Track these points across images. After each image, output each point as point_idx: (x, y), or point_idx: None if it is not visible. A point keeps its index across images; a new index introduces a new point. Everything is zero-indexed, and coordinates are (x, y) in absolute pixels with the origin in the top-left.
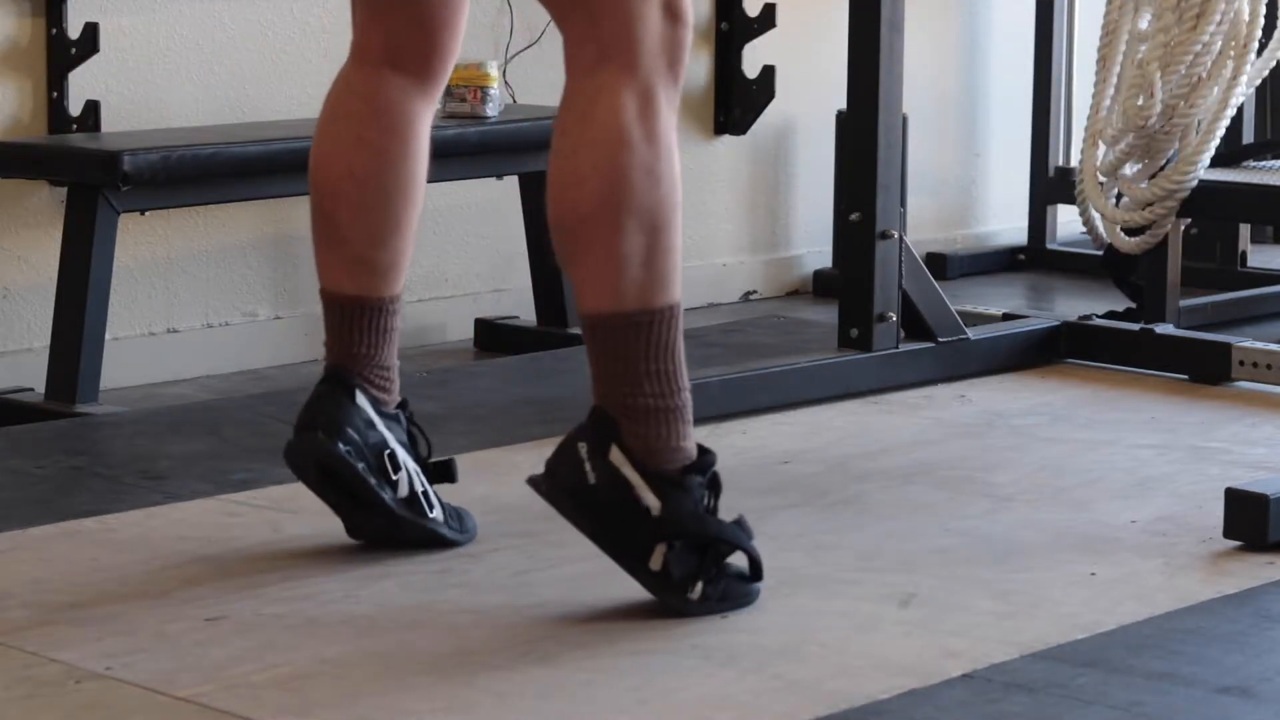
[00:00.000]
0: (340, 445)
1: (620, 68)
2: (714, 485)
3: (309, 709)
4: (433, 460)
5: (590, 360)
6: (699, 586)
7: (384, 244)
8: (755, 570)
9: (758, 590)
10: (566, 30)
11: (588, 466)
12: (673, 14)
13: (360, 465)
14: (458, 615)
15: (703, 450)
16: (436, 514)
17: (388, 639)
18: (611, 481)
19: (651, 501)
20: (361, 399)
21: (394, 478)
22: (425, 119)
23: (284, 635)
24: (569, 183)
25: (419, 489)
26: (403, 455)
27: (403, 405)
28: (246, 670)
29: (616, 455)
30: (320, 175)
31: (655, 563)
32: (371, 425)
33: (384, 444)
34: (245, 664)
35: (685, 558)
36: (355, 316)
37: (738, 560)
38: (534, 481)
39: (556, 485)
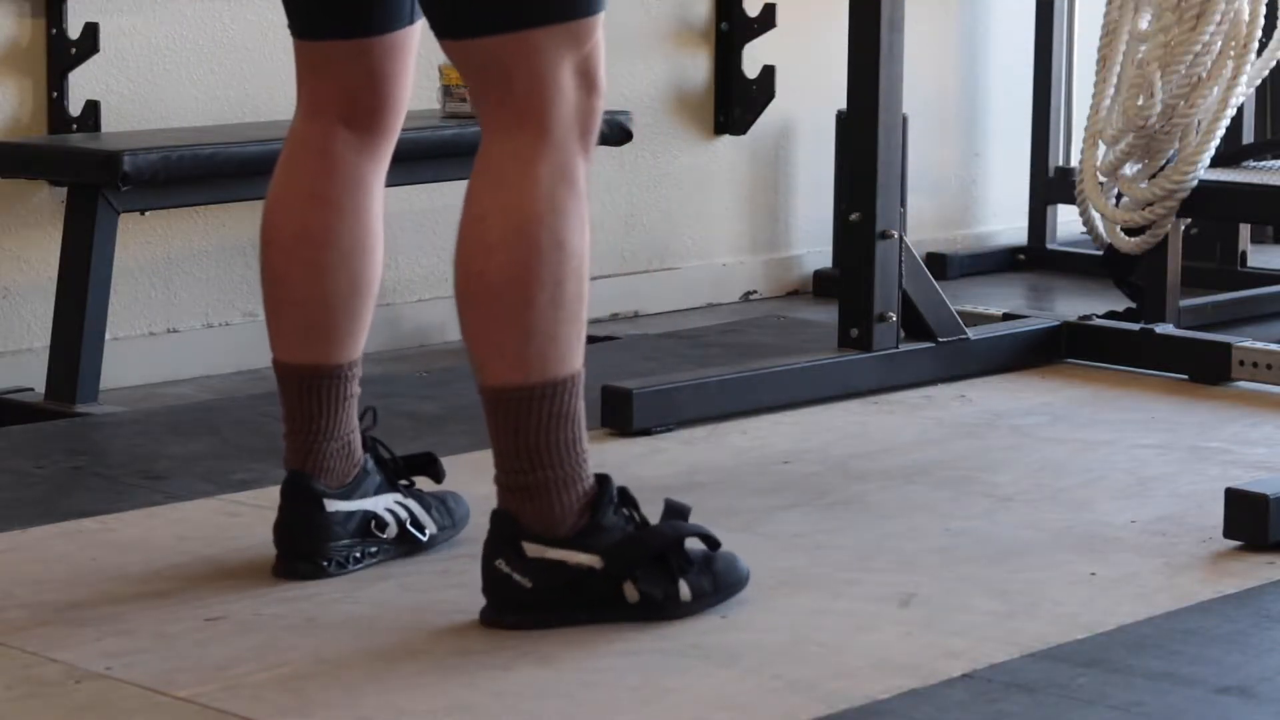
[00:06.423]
0: (326, 565)
1: (535, 136)
2: (625, 500)
3: (309, 709)
4: (404, 456)
5: (490, 434)
6: (683, 588)
7: (343, 307)
8: (709, 542)
9: (740, 565)
10: (480, 92)
11: (515, 577)
12: (588, 84)
13: (350, 564)
14: (458, 615)
15: (599, 478)
16: (430, 531)
17: (388, 639)
18: (543, 572)
19: (588, 560)
20: (330, 504)
21: (383, 535)
22: (378, 179)
23: (284, 635)
24: (476, 252)
25: (407, 524)
26: (383, 508)
27: (364, 415)
28: (246, 670)
29: (532, 548)
30: (272, 235)
31: (631, 599)
32: (348, 517)
33: (365, 518)
34: (245, 664)
35: (652, 577)
36: (313, 387)
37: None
38: (488, 622)
39: (505, 609)
